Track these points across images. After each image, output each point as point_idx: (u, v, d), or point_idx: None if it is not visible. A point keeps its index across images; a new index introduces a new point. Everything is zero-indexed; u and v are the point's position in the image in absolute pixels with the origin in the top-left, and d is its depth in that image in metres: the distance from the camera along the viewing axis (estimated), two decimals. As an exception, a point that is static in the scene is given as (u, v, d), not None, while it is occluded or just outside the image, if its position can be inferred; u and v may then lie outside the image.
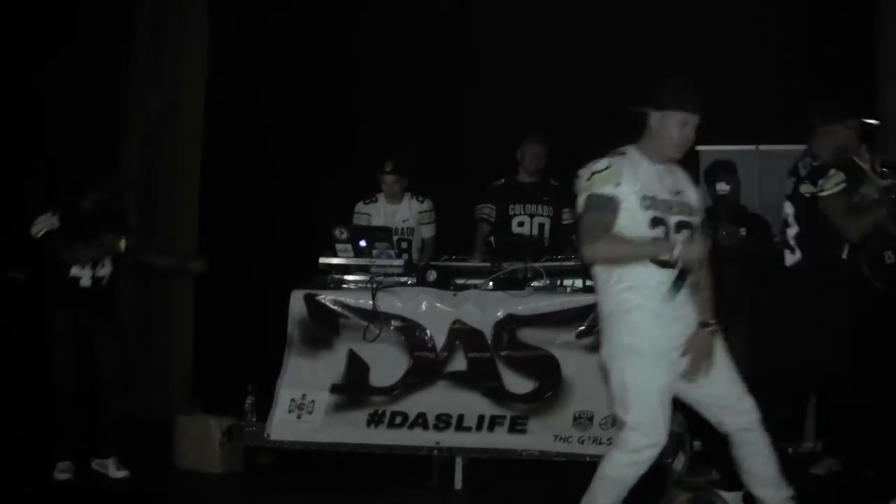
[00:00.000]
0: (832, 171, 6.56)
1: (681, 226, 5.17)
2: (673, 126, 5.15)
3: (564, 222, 8.53)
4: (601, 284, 5.24)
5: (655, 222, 5.11)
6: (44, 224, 7.67)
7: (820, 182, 6.59)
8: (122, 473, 7.73)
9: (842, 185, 6.56)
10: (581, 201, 5.17)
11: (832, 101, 7.25)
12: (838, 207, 6.61)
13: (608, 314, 5.22)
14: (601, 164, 5.12)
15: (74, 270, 7.75)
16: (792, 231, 7.03)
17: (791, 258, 6.95)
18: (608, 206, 5.06)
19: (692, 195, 5.32)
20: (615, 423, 5.94)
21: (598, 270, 5.23)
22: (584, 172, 5.16)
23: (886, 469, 7.07)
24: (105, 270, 7.84)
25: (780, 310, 7.12)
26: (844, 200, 6.60)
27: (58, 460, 7.65)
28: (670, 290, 5.07)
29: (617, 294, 5.15)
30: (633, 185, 5.07)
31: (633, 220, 5.09)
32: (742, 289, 7.50)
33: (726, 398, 5.25)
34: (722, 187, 7.74)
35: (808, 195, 6.62)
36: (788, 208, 6.95)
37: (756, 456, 5.33)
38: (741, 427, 5.26)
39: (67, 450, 7.69)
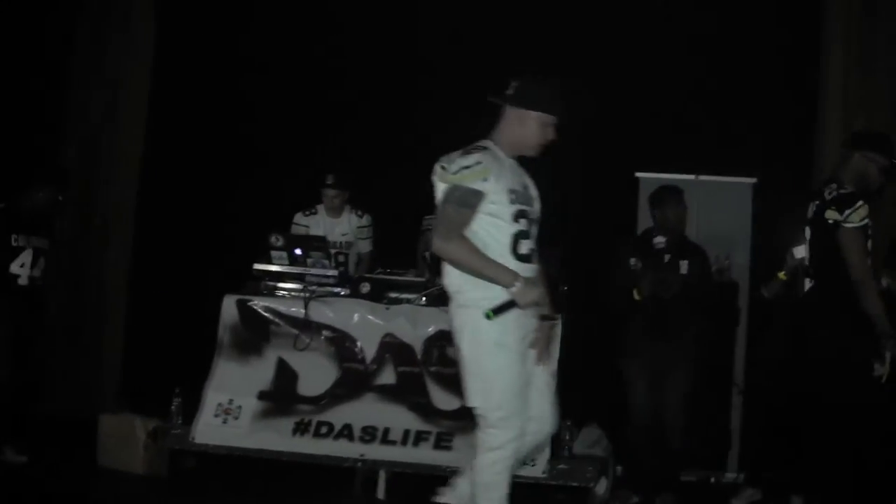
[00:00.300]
0: (860, 203, 6.49)
1: (531, 220, 5.27)
2: (538, 126, 5.26)
3: None
4: (457, 278, 5.21)
5: (519, 215, 5.20)
6: None
7: (846, 212, 6.55)
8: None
9: (866, 221, 6.52)
10: (444, 191, 5.16)
11: (868, 131, 7.32)
12: (858, 242, 6.57)
13: (467, 309, 5.20)
14: (470, 158, 5.13)
15: (14, 267, 7.77)
16: (799, 254, 7.07)
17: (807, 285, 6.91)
18: (473, 202, 5.09)
19: (533, 190, 5.41)
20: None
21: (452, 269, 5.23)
22: (449, 164, 5.15)
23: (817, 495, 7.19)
24: (38, 271, 7.89)
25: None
26: (864, 236, 6.57)
27: None
28: (487, 313, 5.07)
29: (483, 290, 5.12)
30: (499, 180, 5.13)
31: (500, 213, 5.14)
32: (686, 320, 7.53)
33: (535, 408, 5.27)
34: (674, 211, 7.72)
35: (831, 221, 6.57)
36: (806, 233, 6.90)
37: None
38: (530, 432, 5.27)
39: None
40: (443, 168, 5.18)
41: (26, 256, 8.01)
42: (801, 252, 7.07)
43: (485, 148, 5.24)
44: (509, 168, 5.27)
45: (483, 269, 5.09)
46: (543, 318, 5.35)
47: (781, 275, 7.53)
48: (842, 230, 6.40)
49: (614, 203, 8.99)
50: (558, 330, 5.56)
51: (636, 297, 7.44)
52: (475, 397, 5.20)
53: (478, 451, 5.21)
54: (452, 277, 5.24)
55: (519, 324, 5.17)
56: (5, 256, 7.91)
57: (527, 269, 5.19)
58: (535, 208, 5.35)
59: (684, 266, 7.56)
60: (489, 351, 5.14)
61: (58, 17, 10.23)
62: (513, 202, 5.18)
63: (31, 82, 9.92)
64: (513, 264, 5.13)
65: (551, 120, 5.28)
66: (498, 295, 5.07)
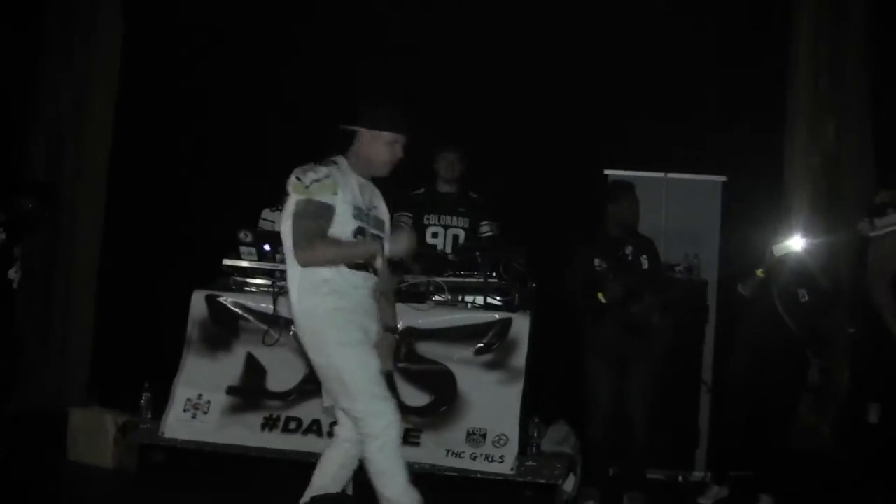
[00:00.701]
0: (890, 211, 6.52)
1: (374, 238, 5.60)
2: (384, 145, 5.60)
3: (483, 234, 8.38)
4: (304, 287, 5.47)
5: (358, 232, 5.52)
6: None
7: (875, 220, 6.57)
8: None
9: (892, 227, 6.54)
10: (296, 205, 5.42)
11: None
12: (886, 248, 6.58)
13: (314, 315, 5.46)
14: (321, 171, 5.44)
15: (11, 273, 7.88)
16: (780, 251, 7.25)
17: None
18: (326, 213, 5.40)
19: (383, 211, 5.78)
20: (498, 440, 6.17)
21: (303, 274, 5.46)
22: (301, 177, 5.43)
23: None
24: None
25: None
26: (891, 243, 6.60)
27: None
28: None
29: (323, 296, 5.43)
30: (346, 195, 5.47)
31: (341, 228, 5.45)
32: (650, 315, 7.56)
33: None
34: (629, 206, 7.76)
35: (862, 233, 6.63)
36: None
37: (339, 464, 5.65)
38: (348, 438, 5.57)
39: None
40: (297, 179, 5.45)
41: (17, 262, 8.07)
42: (781, 250, 7.17)
43: (334, 162, 5.57)
44: (357, 185, 5.58)
45: (350, 253, 5.46)
46: (386, 329, 5.70)
47: (760, 272, 7.57)
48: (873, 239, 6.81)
49: (582, 201, 9.00)
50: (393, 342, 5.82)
51: (602, 300, 7.46)
52: (339, 400, 5.50)
53: (363, 445, 5.42)
54: (291, 291, 5.54)
55: (357, 322, 5.48)
56: (6, 263, 7.94)
57: (359, 276, 5.51)
58: (377, 229, 5.67)
59: (644, 262, 7.60)
60: (334, 353, 5.42)
61: (25, 14, 10.17)
62: (355, 217, 5.50)
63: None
64: (347, 273, 5.46)
65: (397, 138, 5.61)
66: (328, 301, 5.42)
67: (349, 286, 5.48)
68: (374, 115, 5.65)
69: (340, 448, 5.63)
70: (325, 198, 5.39)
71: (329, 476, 5.64)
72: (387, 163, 5.64)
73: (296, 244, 5.41)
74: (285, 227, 5.48)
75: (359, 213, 5.52)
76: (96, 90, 10.44)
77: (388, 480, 5.38)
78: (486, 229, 8.40)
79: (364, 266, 5.51)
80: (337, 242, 5.42)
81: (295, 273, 5.49)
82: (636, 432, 7.51)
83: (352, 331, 5.44)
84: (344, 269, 5.45)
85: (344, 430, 5.61)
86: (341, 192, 5.43)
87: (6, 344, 7.92)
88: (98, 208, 10.39)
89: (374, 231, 5.62)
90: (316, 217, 5.38)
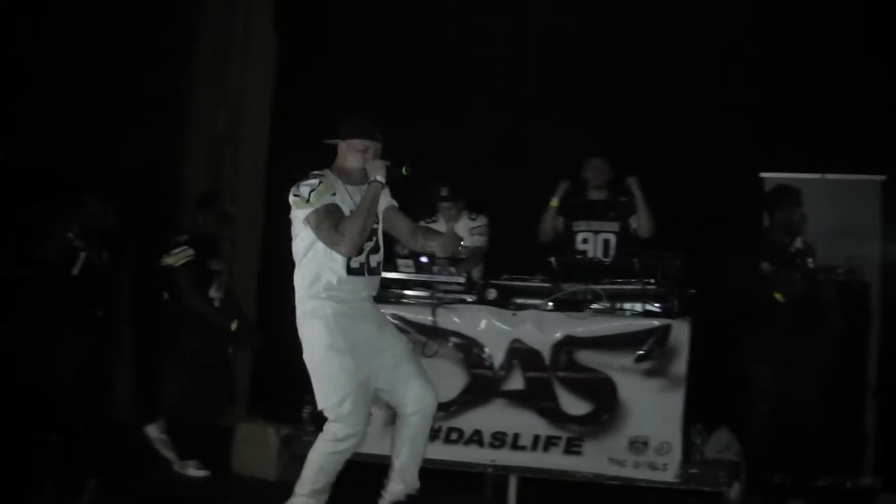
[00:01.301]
0: None
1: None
2: (356, 152, 6.12)
3: (632, 230, 8.42)
4: (301, 291, 6.11)
5: None
6: (182, 255, 8.30)
7: None
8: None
9: None
10: (309, 217, 5.95)
11: None
12: None
13: (307, 317, 6.09)
14: (312, 181, 5.97)
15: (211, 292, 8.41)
16: None
17: None
18: (336, 211, 5.95)
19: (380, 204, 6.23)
20: (660, 447, 6.19)
21: (299, 279, 6.11)
22: (298, 193, 5.97)
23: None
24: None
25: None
26: None
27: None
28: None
29: (316, 299, 6.04)
30: (342, 199, 6.03)
31: None
32: (817, 319, 7.46)
33: (406, 390, 6.17)
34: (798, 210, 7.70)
35: None
36: None
37: (411, 440, 6.25)
38: (411, 411, 6.19)
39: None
40: (296, 197, 5.98)
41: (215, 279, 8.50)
42: None
43: (322, 174, 6.06)
44: (346, 191, 6.09)
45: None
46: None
47: None
48: None
49: (738, 205, 8.88)
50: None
51: (779, 299, 7.39)
52: (319, 399, 6.05)
53: (320, 437, 6.04)
54: (297, 293, 6.14)
55: (351, 329, 6.01)
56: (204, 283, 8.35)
57: (360, 283, 6.10)
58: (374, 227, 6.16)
59: (811, 263, 7.50)
60: (323, 356, 5.99)
61: (178, 31, 10.38)
62: None
63: (152, 97, 10.05)
64: (344, 277, 6.02)
65: (368, 145, 6.13)
66: (326, 306, 6.01)
67: (348, 292, 6.05)
68: (345, 127, 6.21)
69: (407, 424, 6.23)
70: (327, 199, 5.93)
71: (400, 455, 6.31)
72: (361, 169, 6.10)
73: (332, 245, 5.94)
74: (297, 245, 6.11)
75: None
76: (251, 104, 10.59)
77: (317, 475, 6.08)
78: (634, 224, 8.43)
79: (361, 270, 6.08)
80: (354, 216, 5.95)
81: (298, 278, 6.12)
82: (804, 438, 7.39)
83: (343, 337, 5.97)
84: (343, 276, 6.01)
85: (408, 406, 6.18)
86: (338, 194, 6.02)
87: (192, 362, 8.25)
88: (256, 222, 10.52)
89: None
90: (328, 216, 5.91)
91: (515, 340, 7.48)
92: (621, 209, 8.47)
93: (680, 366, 7.18)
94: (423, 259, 7.70)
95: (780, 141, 9.07)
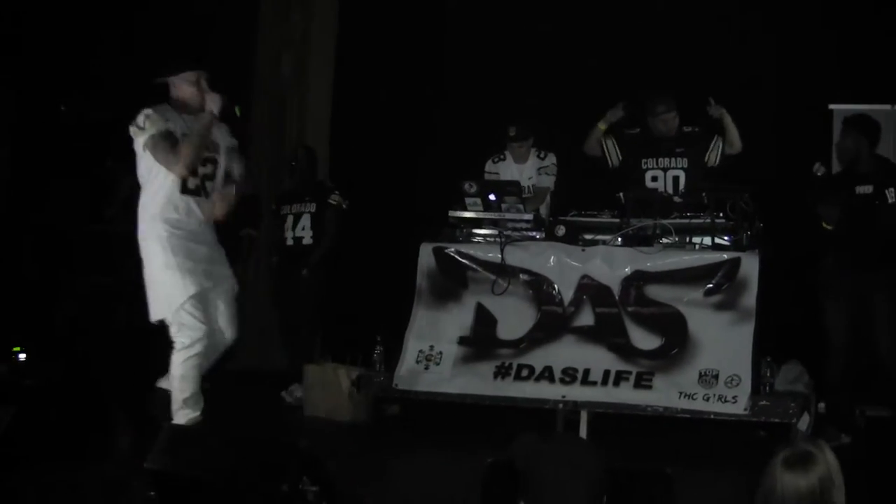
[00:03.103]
0: None
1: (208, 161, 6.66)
2: (189, 84, 6.59)
3: (709, 165, 8.22)
4: (141, 212, 6.55)
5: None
6: None
7: None
8: None
9: None
10: (146, 144, 6.44)
11: None
12: None
13: (145, 237, 6.52)
14: (145, 112, 6.43)
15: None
16: None
17: None
18: (170, 136, 6.42)
19: (218, 138, 6.74)
20: (730, 380, 6.32)
21: (141, 202, 6.57)
22: (136, 122, 6.43)
23: None
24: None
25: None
26: None
27: None
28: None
29: (154, 220, 6.48)
30: (177, 126, 6.49)
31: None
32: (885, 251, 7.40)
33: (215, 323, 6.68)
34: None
35: None
36: None
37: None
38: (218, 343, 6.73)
39: None
40: (133, 126, 6.44)
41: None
42: None
43: (156, 106, 6.49)
44: (182, 120, 6.53)
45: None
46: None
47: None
48: None
49: (807, 136, 8.81)
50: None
51: (827, 227, 7.36)
52: (156, 312, 6.51)
53: (173, 352, 6.45)
54: (138, 215, 6.57)
55: (183, 247, 6.46)
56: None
57: (194, 202, 6.56)
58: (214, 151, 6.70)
59: (891, 194, 7.39)
60: (160, 273, 6.45)
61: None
62: None
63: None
64: (177, 196, 6.48)
65: (196, 74, 6.60)
66: (160, 227, 6.44)
67: (184, 212, 6.51)
68: (172, 63, 6.69)
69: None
70: (160, 126, 6.41)
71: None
72: (199, 99, 6.55)
73: (167, 165, 6.43)
74: (140, 171, 6.56)
75: None
76: (315, 53, 10.63)
77: (183, 385, 6.45)
78: (710, 156, 8.23)
79: (196, 191, 6.55)
80: (186, 139, 6.45)
81: (140, 200, 6.57)
82: (887, 372, 7.35)
83: (175, 255, 6.42)
84: (176, 195, 6.48)
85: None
86: (172, 121, 6.48)
87: None
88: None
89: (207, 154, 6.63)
90: (164, 140, 6.40)
91: (585, 276, 7.50)
92: (687, 142, 8.31)
93: (749, 299, 7.16)
94: (492, 197, 7.71)
95: (849, 72, 8.97)
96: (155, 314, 6.52)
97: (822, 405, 7.57)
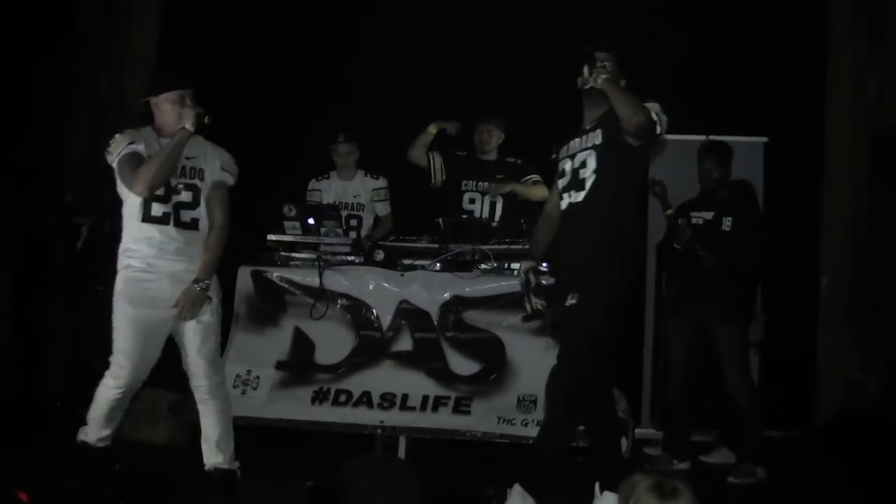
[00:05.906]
0: None
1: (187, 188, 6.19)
2: (172, 104, 6.12)
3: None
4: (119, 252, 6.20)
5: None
6: None
7: None
8: None
9: None
10: (115, 168, 6.08)
11: None
12: None
13: (118, 274, 6.18)
14: (115, 138, 6.10)
15: None
16: None
17: None
18: (136, 158, 6.01)
19: (205, 164, 6.29)
20: None
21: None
22: (108, 148, 6.09)
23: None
24: None
25: None
26: None
27: None
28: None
29: (122, 255, 6.15)
30: (150, 150, 6.06)
31: None
32: (719, 279, 7.54)
33: (193, 366, 6.42)
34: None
35: None
36: None
37: (205, 417, 6.50)
38: (200, 392, 6.50)
39: None
40: (106, 152, 6.11)
41: None
42: None
43: (135, 130, 6.16)
44: (159, 143, 6.09)
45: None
46: (195, 281, 6.15)
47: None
48: None
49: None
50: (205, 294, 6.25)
51: (676, 246, 7.56)
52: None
53: (104, 377, 6.23)
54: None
55: (140, 287, 6.10)
56: None
57: (158, 231, 6.10)
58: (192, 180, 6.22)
59: (727, 223, 7.55)
60: (116, 309, 6.15)
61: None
62: None
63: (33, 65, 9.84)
64: (137, 226, 6.10)
65: (179, 93, 6.12)
66: (123, 259, 6.14)
67: (149, 243, 6.08)
68: (155, 83, 6.31)
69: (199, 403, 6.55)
70: (125, 149, 6.02)
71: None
72: (178, 121, 6.06)
73: (130, 187, 6.02)
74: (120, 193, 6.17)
75: None
76: (135, 68, 10.43)
77: (96, 408, 6.26)
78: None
79: (163, 219, 6.09)
80: (154, 159, 5.99)
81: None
82: (738, 403, 7.48)
83: (129, 297, 6.10)
84: (134, 226, 6.10)
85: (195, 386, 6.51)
86: (146, 144, 6.06)
87: None
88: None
89: (184, 181, 6.17)
90: (128, 162, 6.00)
91: (403, 301, 7.52)
92: (509, 171, 8.47)
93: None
94: (311, 220, 7.69)
95: (666, 102, 9.11)
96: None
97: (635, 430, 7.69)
